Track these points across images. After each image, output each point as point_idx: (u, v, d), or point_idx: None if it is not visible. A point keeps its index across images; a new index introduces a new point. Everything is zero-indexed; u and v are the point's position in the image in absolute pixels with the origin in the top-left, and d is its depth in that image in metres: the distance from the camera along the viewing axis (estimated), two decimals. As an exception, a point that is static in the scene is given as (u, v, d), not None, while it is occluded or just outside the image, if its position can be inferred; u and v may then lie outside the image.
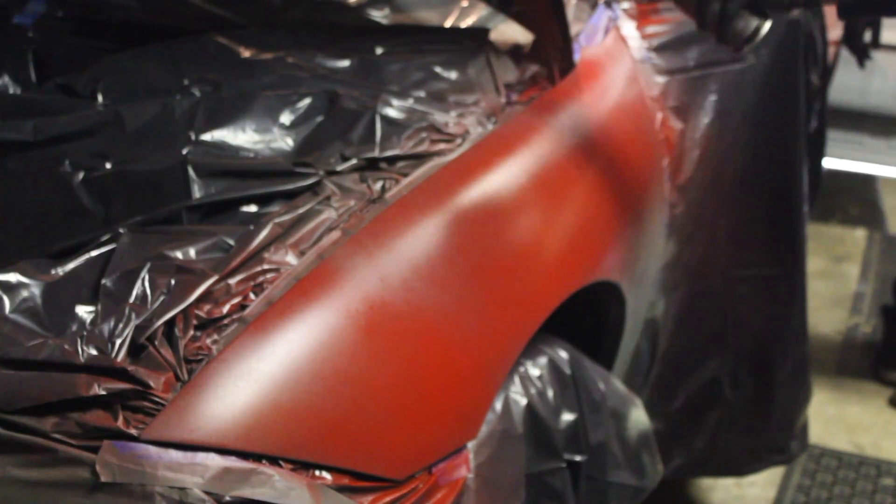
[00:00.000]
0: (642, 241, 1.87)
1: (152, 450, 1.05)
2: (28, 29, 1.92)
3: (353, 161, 1.43)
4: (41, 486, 1.03)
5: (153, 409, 1.08)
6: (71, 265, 1.23)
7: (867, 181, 4.22)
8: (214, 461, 1.07)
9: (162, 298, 1.17)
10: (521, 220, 1.52)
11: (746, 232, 2.16)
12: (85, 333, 1.12)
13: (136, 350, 1.11)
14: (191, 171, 1.36)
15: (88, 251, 1.25)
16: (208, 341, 1.14)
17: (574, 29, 1.79)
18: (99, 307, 1.16)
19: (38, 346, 1.10)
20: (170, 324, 1.14)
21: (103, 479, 1.02)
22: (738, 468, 2.40)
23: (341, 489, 1.16)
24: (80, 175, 1.39)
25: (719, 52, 2.01)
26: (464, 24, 1.89)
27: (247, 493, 1.06)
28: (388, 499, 1.21)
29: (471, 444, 1.35)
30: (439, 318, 1.33)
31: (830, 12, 2.70)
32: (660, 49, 1.97)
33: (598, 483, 1.66)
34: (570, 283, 1.57)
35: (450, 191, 1.43)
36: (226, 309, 1.17)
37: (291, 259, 1.26)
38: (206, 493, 1.05)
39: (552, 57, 1.73)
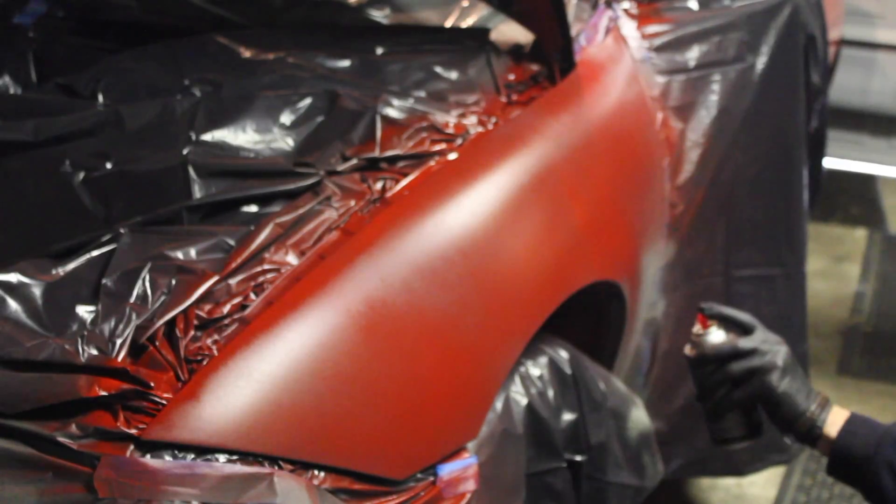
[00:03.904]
0: (643, 240, 1.87)
1: (150, 463, 1.05)
2: (28, 29, 1.93)
3: (354, 161, 1.43)
4: None
5: (154, 409, 1.08)
6: (71, 265, 1.23)
7: (867, 181, 4.22)
8: (213, 469, 1.06)
9: (163, 298, 1.17)
10: (522, 219, 1.51)
11: (746, 232, 2.15)
12: (85, 333, 1.12)
13: (136, 350, 1.12)
14: (191, 172, 1.36)
15: (89, 251, 1.25)
16: (209, 341, 1.14)
17: (574, 29, 1.79)
18: (99, 307, 1.16)
19: (38, 345, 1.10)
20: (170, 324, 1.14)
21: (101, 495, 1.02)
22: (739, 468, 2.39)
23: (342, 490, 1.16)
24: (81, 175, 1.40)
25: (720, 51, 2.02)
26: (464, 24, 1.90)
27: (246, 499, 1.06)
28: (389, 506, 1.21)
29: (471, 445, 1.35)
30: (439, 317, 1.33)
31: (830, 12, 2.70)
32: (660, 49, 1.97)
33: (598, 483, 1.66)
34: (570, 282, 1.57)
35: (450, 191, 1.43)
36: (226, 309, 1.17)
37: (292, 259, 1.26)
38: None
39: (552, 57, 1.73)
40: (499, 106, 1.62)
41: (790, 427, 1.53)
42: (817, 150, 2.61)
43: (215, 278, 1.19)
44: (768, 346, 1.55)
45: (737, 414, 1.58)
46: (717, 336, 1.58)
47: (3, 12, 1.99)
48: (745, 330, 1.59)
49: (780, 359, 1.53)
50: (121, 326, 1.13)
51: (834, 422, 1.50)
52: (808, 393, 1.53)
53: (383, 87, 1.61)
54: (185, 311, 1.15)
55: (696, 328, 1.60)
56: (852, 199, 4.17)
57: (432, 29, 1.90)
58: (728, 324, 1.60)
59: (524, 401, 1.52)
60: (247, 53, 1.74)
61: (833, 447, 1.49)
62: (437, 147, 1.48)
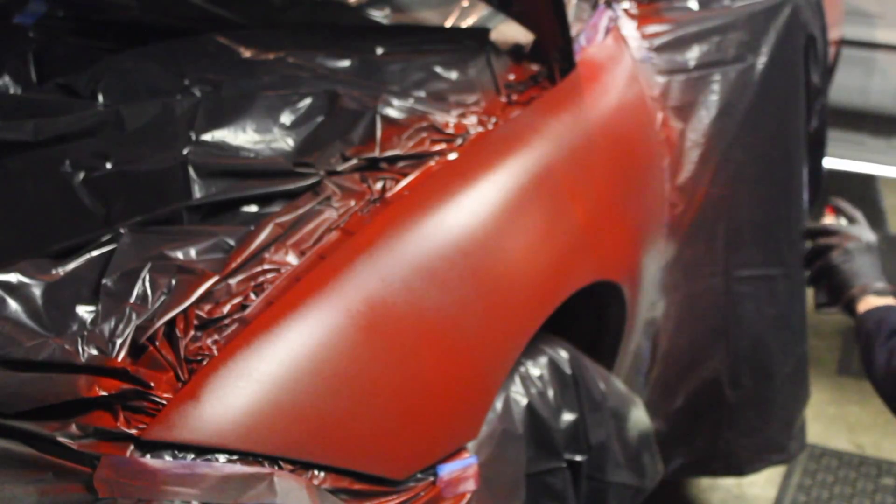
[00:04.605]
0: (643, 240, 1.87)
1: (150, 463, 1.05)
2: (28, 29, 1.92)
3: (354, 161, 1.43)
4: None
5: (154, 409, 1.08)
6: (71, 265, 1.23)
7: (867, 181, 4.21)
8: (213, 469, 1.06)
9: (162, 298, 1.17)
10: (522, 219, 1.52)
11: (746, 232, 2.15)
12: (85, 333, 1.12)
13: (136, 350, 1.12)
14: (191, 172, 1.36)
15: (89, 251, 1.25)
16: (209, 341, 1.14)
17: (574, 29, 1.79)
18: (99, 307, 1.16)
19: (38, 345, 1.10)
20: (170, 324, 1.14)
21: (101, 495, 1.02)
22: (739, 468, 2.39)
23: (342, 490, 1.16)
24: (81, 175, 1.39)
25: (720, 51, 2.02)
26: (464, 24, 1.89)
27: (246, 499, 1.06)
28: (389, 505, 1.21)
29: (471, 445, 1.35)
30: (440, 317, 1.33)
31: (830, 12, 2.70)
32: (660, 49, 1.97)
33: (598, 483, 1.66)
34: (570, 282, 1.57)
35: (450, 191, 1.43)
36: (226, 309, 1.17)
37: (292, 259, 1.26)
38: None
39: (552, 57, 1.73)
40: (499, 106, 1.62)
41: (836, 296, 1.85)
42: (817, 150, 2.61)
43: (215, 278, 1.19)
44: (852, 233, 1.89)
45: (827, 284, 1.89)
46: (828, 220, 1.98)
47: (3, 12, 1.99)
48: (851, 221, 1.96)
49: (852, 244, 1.87)
50: (121, 326, 1.13)
51: (868, 303, 1.79)
52: (869, 278, 1.82)
53: (383, 87, 1.61)
54: (185, 311, 1.15)
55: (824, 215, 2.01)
56: (852, 199, 4.16)
57: (432, 29, 1.90)
58: (844, 214, 1.99)
59: (524, 401, 1.52)
60: (247, 53, 1.74)
61: (856, 320, 1.80)
62: (437, 147, 1.48)
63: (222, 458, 1.08)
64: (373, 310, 1.25)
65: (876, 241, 1.89)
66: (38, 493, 1.03)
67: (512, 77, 1.70)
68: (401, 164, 1.45)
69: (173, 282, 1.18)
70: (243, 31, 1.81)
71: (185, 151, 1.40)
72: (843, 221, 1.97)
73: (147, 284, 1.18)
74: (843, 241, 1.88)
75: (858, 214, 1.97)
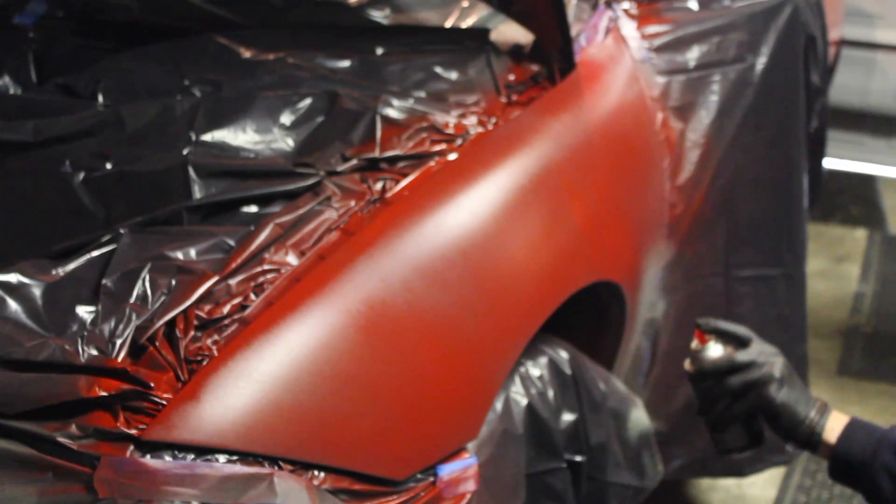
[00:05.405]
0: (643, 240, 1.87)
1: (150, 464, 1.05)
2: (28, 29, 1.93)
3: (354, 161, 1.43)
4: None
5: (154, 409, 1.08)
6: (71, 265, 1.23)
7: (867, 181, 4.21)
8: (213, 470, 1.06)
9: (162, 299, 1.17)
10: (522, 220, 1.52)
11: (746, 232, 2.16)
12: (85, 334, 1.12)
13: (136, 350, 1.12)
14: (191, 172, 1.36)
15: (89, 251, 1.25)
16: (209, 342, 1.14)
17: (574, 29, 1.79)
18: (99, 307, 1.16)
19: (38, 346, 1.10)
20: (170, 324, 1.14)
21: (101, 495, 1.02)
22: (739, 468, 2.39)
23: (342, 490, 1.16)
24: (81, 175, 1.40)
25: (720, 52, 2.02)
26: (464, 25, 1.90)
27: (246, 499, 1.06)
28: (389, 506, 1.21)
29: (471, 445, 1.35)
30: (439, 318, 1.33)
31: (830, 12, 2.70)
32: (660, 49, 1.97)
33: (598, 483, 1.66)
34: (570, 283, 1.57)
35: (450, 191, 1.43)
36: (226, 309, 1.17)
37: (292, 259, 1.26)
38: None
39: (552, 57, 1.73)
40: (499, 106, 1.62)
41: (791, 435, 1.55)
42: (817, 150, 2.61)
43: (215, 278, 1.19)
44: (765, 357, 1.55)
45: (738, 424, 1.59)
46: (714, 351, 1.59)
47: (3, 12, 1.99)
48: (741, 343, 1.59)
49: (778, 370, 1.54)
50: (121, 327, 1.13)
51: (833, 427, 1.52)
52: (807, 401, 1.55)
53: (383, 88, 1.61)
54: (185, 312, 1.15)
55: (695, 343, 1.61)
56: (852, 199, 4.17)
57: (432, 29, 1.90)
58: (725, 337, 1.61)
59: (524, 401, 1.52)
60: (247, 54, 1.74)
61: (832, 453, 1.51)
62: (437, 147, 1.48)
63: (222, 458, 1.08)
64: (373, 310, 1.25)
65: (777, 349, 1.58)
66: (38, 493, 1.03)
67: (512, 77, 1.70)
68: (401, 164, 1.45)
69: (173, 282, 1.18)
70: (243, 31, 1.81)
71: (185, 152, 1.40)
72: (720, 345, 1.58)
73: (147, 285, 1.18)
74: (766, 372, 1.53)
75: (742, 328, 1.60)
